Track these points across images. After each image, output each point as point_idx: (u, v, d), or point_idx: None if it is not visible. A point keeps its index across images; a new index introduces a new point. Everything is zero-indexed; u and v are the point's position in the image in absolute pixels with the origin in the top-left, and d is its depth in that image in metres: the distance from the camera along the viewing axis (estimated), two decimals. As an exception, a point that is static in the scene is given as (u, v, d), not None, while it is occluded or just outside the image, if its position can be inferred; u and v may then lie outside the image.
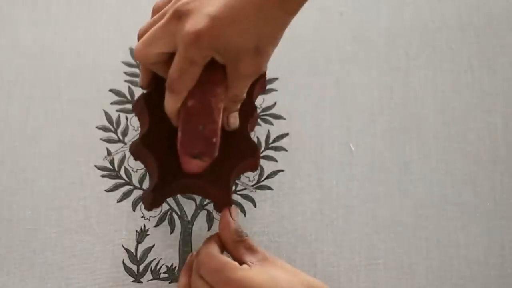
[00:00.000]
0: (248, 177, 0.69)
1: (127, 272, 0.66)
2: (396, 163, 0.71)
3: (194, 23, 0.56)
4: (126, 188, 0.69)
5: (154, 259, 0.66)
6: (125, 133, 0.71)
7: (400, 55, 0.75)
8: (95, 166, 0.69)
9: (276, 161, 0.70)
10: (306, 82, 0.74)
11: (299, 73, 0.74)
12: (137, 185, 0.69)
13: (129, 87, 0.73)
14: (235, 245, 0.60)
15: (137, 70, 0.73)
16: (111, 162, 0.70)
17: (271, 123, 0.72)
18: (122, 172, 0.69)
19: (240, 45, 0.57)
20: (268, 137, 0.71)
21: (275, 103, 0.73)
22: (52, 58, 0.74)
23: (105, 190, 0.69)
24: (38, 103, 0.72)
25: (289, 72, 0.74)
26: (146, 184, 0.69)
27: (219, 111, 0.59)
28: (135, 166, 0.69)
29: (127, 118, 0.71)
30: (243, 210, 0.68)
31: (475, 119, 0.73)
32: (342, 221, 0.68)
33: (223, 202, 0.62)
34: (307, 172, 0.70)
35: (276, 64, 0.73)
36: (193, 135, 0.58)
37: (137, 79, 0.73)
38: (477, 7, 0.77)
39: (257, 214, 0.68)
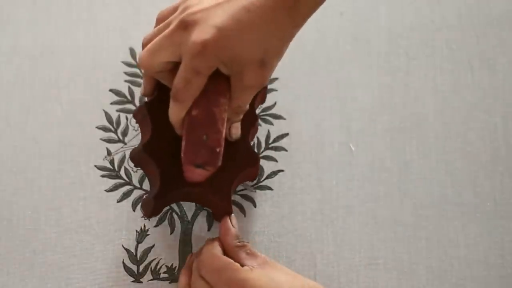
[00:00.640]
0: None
1: (127, 272, 0.66)
2: (396, 163, 0.71)
3: (201, 34, 0.56)
4: (126, 188, 0.69)
5: (154, 259, 0.66)
6: (125, 133, 0.71)
7: (400, 55, 0.75)
8: (95, 166, 0.69)
9: (276, 161, 0.70)
10: (306, 82, 0.74)
11: (299, 73, 0.74)
12: (137, 185, 0.69)
13: (129, 87, 0.73)
14: (236, 250, 0.60)
15: (137, 70, 0.73)
16: (111, 162, 0.70)
17: (271, 123, 0.72)
18: (122, 172, 0.69)
19: (246, 57, 0.57)
20: (268, 137, 0.71)
21: (275, 103, 0.73)
22: (52, 58, 0.74)
23: (105, 190, 0.68)
24: (38, 103, 0.72)
25: (289, 72, 0.74)
26: (146, 185, 0.68)
27: (223, 121, 0.59)
28: (135, 166, 0.69)
29: (127, 118, 0.71)
30: (243, 210, 0.68)
31: (475, 119, 0.73)
32: (342, 221, 0.68)
33: (224, 211, 0.63)
34: (307, 172, 0.70)
35: (276, 64, 0.73)
36: (197, 144, 0.59)
37: (137, 79, 0.73)
38: (477, 7, 0.77)
39: (257, 214, 0.68)
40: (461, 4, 0.77)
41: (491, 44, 0.76)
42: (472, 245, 0.68)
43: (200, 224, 0.67)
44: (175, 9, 0.61)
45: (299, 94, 0.73)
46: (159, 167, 0.62)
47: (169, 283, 0.65)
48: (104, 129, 0.71)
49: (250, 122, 0.65)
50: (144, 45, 0.61)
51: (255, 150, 0.70)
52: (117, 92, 0.72)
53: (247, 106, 0.63)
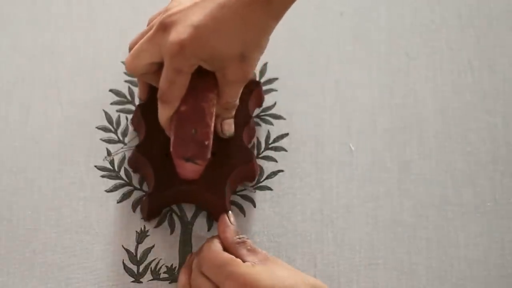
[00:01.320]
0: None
1: (127, 272, 0.66)
2: (396, 163, 0.71)
3: (178, 34, 0.57)
4: (126, 188, 0.69)
5: (154, 259, 0.66)
6: (125, 133, 0.71)
7: (400, 55, 0.75)
8: (95, 166, 0.69)
9: (276, 161, 0.70)
10: (306, 82, 0.74)
11: (299, 73, 0.74)
12: (137, 186, 0.69)
13: (129, 87, 0.73)
14: (236, 247, 0.60)
15: (137, 70, 0.73)
16: (111, 162, 0.70)
17: (271, 123, 0.72)
18: (122, 173, 0.69)
19: (225, 53, 0.58)
20: (268, 137, 0.71)
21: (275, 103, 0.73)
22: (52, 58, 0.74)
23: (105, 191, 0.68)
24: (38, 103, 0.72)
25: (289, 72, 0.74)
26: (146, 186, 0.68)
27: (212, 115, 0.60)
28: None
29: (127, 119, 0.71)
30: (243, 211, 0.68)
31: (475, 119, 0.73)
32: (342, 221, 0.68)
33: (220, 209, 0.63)
34: (307, 172, 0.70)
35: (276, 64, 0.73)
36: (185, 138, 0.59)
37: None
38: (477, 7, 0.77)
39: (257, 214, 0.68)
40: (461, 4, 0.77)
41: (491, 44, 0.76)
42: (472, 245, 0.68)
43: (200, 224, 0.67)
44: (160, 13, 0.62)
45: (299, 94, 0.73)
46: (152, 167, 0.63)
47: (169, 283, 0.65)
48: (104, 129, 0.71)
49: (244, 120, 0.66)
50: (130, 49, 0.63)
51: (255, 150, 0.70)
52: (117, 92, 0.72)
53: (237, 102, 0.63)
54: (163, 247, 0.66)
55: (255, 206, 0.68)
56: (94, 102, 0.72)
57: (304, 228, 0.68)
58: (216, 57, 0.58)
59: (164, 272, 0.66)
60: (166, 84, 0.59)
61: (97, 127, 0.71)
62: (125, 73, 0.73)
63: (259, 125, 0.71)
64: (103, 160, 0.70)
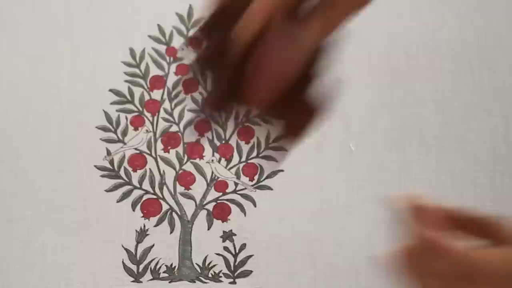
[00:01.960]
0: (248, 177, 0.69)
1: (127, 272, 0.65)
2: (396, 163, 0.71)
3: None
4: (125, 188, 0.69)
5: (153, 259, 0.66)
6: (124, 133, 0.71)
7: (400, 55, 0.75)
8: (95, 166, 0.69)
9: (276, 161, 0.70)
10: (306, 82, 0.74)
11: (299, 73, 0.74)
12: (137, 185, 0.69)
13: (129, 87, 0.73)
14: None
15: (137, 70, 0.73)
16: (111, 162, 0.70)
17: (271, 123, 0.72)
18: (122, 172, 0.69)
19: None
20: (268, 137, 0.71)
21: (275, 103, 0.73)
22: (52, 58, 0.74)
23: (105, 190, 0.69)
24: (38, 103, 0.72)
25: (289, 72, 0.74)
26: (146, 185, 0.69)
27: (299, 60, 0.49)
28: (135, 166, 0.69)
29: (126, 118, 0.71)
30: (243, 210, 0.68)
31: (475, 119, 0.73)
32: (342, 221, 0.68)
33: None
34: (307, 172, 0.70)
35: (276, 64, 0.73)
36: (261, 81, 0.50)
37: (137, 79, 0.73)
38: (477, 7, 0.77)
39: (257, 214, 0.68)
40: (461, 4, 0.77)
41: (491, 44, 0.76)
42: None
43: (200, 224, 0.67)
44: None
45: (299, 94, 0.73)
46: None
47: (169, 282, 0.65)
48: (104, 129, 0.71)
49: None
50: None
51: (255, 149, 0.70)
52: (117, 92, 0.72)
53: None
54: (162, 246, 0.66)
55: (255, 206, 0.68)
56: (94, 102, 0.72)
57: (304, 228, 0.68)
58: None
59: (164, 272, 0.66)
60: None
61: (96, 127, 0.71)
62: (125, 72, 0.73)
63: (259, 124, 0.71)
64: (103, 159, 0.70)
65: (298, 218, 0.68)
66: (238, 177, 0.69)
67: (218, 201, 0.68)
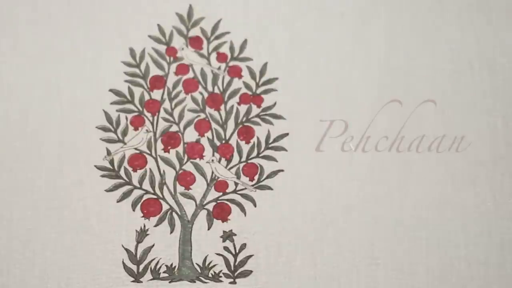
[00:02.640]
0: (248, 177, 0.69)
1: (127, 272, 0.65)
2: (396, 163, 0.71)
3: None
4: (126, 188, 0.69)
5: (154, 259, 0.66)
6: (124, 133, 0.71)
7: (400, 55, 0.75)
8: (95, 166, 0.69)
9: (276, 161, 0.70)
10: (306, 82, 0.74)
11: (299, 73, 0.74)
12: (137, 185, 0.69)
13: (129, 87, 0.73)
14: None
15: (137, 70, 0.73)
16: (111, 162, 0.70)
17: (271, 123, 0.72)
18: (122, 172, 0.69)
19: None
20: (268, 137, 0.71)
21: (275, 103, 0.73)
22: (52, 58, 0.74)
23: (105, 190, 0.69)
24: (38, 103, 0.72)
25: (289, 72, 0.74)
26: (146, 185, 0.69)
27: None
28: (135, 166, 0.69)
29: (126, 118, 0.71)
30: (243, 210, 0.68)
31: (475, 119, 0.73)
32: (342, 221, 0.68)
33: None
34: (307, 172, 0.70)
35: (276, 64, 0.73)
36: None
37: (137, 79, 0.73)
38: (477, 7, 0.77)
39: (257, 214, 0.68)
40: (461, 4, 0.77)
41: (491, 44, 0.76)
42: (472, 245, 0.68)
43: (200, 224, 0.67)
44: None
45: (299, 94, 0.73)
46: None
47: (169, 282, 0.65)
48: (104, 129, 0.71)
49: None
50: None
51: (255, 149, 0.70)
52: (117, 92, 0.72)
53: None
54: (163, 246, 0.66)
55: (255, 206, 0.68)
56: (94, 102, 0.72)
57: (304, 228, 0.68)
58: None
59: (164, 272, 0.66)
60: None
61: (96, 127, 0.71)
62: (125, 72, 0.73)
63: (259, 124, 0.72)
64: (103, 159, 0.70)
65: (298, 218, 0.68)
66: (238, 177, 0.69)
67: (218, 201, 0.68)
